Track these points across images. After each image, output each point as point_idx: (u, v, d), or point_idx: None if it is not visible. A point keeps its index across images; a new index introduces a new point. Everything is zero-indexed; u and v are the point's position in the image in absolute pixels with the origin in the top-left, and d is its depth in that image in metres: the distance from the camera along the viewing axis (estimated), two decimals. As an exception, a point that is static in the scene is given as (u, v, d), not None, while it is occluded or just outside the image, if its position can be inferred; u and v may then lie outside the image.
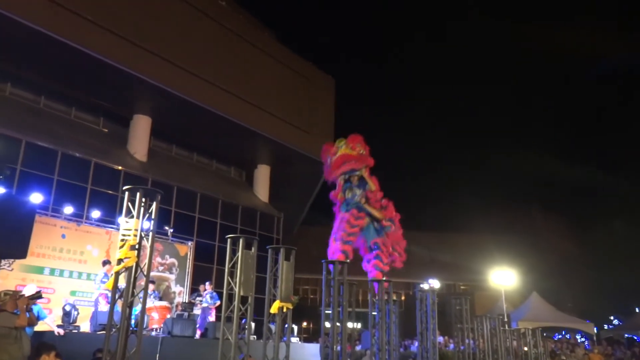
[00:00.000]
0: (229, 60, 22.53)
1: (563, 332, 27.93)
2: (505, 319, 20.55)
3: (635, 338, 25.15)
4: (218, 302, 14.40)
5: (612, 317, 35.61)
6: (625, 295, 31.86)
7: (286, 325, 8.53)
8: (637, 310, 28.38)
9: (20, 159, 16.33)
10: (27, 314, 7.29)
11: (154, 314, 13.55)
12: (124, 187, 5.91)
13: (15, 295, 7.27)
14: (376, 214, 12.25)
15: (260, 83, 23.71)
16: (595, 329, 26.70)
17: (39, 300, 8.47)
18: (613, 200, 38.82)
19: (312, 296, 39.00)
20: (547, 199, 46.62)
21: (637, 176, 38.21)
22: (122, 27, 18.41)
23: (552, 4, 57.30)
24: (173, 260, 18.43)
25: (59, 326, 10.61)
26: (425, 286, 16.05)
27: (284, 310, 8.02)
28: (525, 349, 15.24)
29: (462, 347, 12.73)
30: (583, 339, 27.09)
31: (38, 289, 9.39)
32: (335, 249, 11.93)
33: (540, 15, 57.03)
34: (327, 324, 9.25)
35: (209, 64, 21.42)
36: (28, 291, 8.56)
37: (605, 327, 32.92)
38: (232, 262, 7.33)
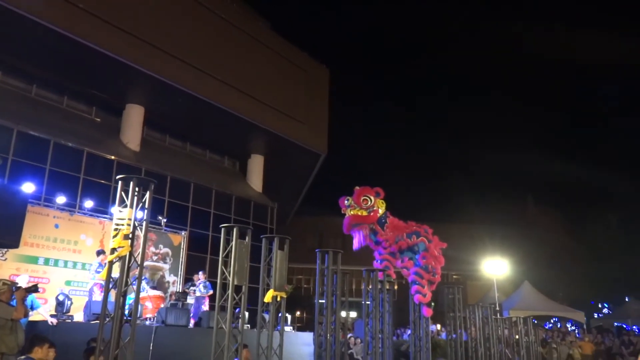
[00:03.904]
0: (223, 50, 22.41)
1: (554, 321, 28.21)
2: (497, 308, 20.73)
3: (625, 326, 25.44)
4: (211, 292, 14.47)
5: (602, 306, 35.97)
6: (615, 284, 32.16)
7: (280, 314, 8.59)
8: (626, 299, 28.66)
9: (12, 149, 16.23)
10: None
11: (148, 304, 13.61)
12: (118, 177, 5.91)
13: (13, 286, 7.27)
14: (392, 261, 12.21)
15: (254, 73, 23.61)
16: (585, 317, 26.98)
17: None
18: (605, 192, 39.07)
19: (305, 286, 39.16)
20: (540, 190, 46.87)
21: (630, 169, 38.41)
22: (115, 16, 18.26)
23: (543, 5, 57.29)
24: (167, 250, 18.44)
25: (52, 316, 10.62)
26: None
27: (278, 299, 8.08)
28: (517, 337, 15.39)
29: (454, 336, 12.84)
30: (573, 328, 27.37)
31: (34, 282, 9.38)
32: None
33: (535, 15, 57.04)
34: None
35: (203, 53, 21.30)
36: (21, 281, 8.58)
37: (596, 315, 33.27)
38: (226, 252, 7.36)
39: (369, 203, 11.70)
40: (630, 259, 31.29)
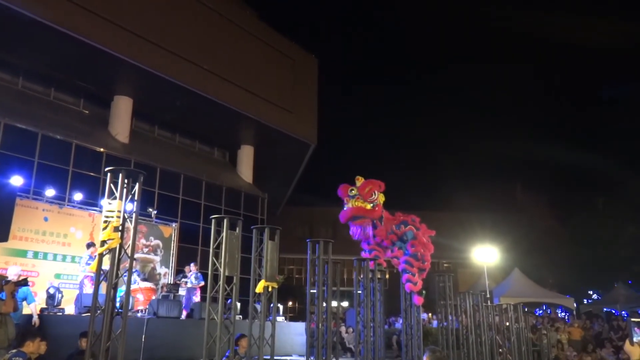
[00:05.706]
0: (211, 40, 22.24)
1: (544, 307, 28.48)
2: (488, 295, 20.87)
3: (614, 312, 25.75)
4: (202, 283, 14.47)
5: (591, 292, 36.34)
6: (604, 270, 32.45)
7: (272, 305, 8.60)
8: (615, 285, 28.98)
9: (-1, 142, 16.08)
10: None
11: (139, 296, 13.60)
12: (107, 169, 5.86)
13: (2, 280, 7.22)
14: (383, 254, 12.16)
15: (243, 63, 23.48)
16: (575, 303, 27.24)
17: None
18: (594, 178, 39.32)
19: (297, 276, 39.26)
20: (530, 177, 47.06)
21: (619, 155, 38.61)
22: (102, 7, 18.04)
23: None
24: (157, 241, 18.41)
25: (43, 309, 10.57)
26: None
27: (270, 289, 8.09)
28: (507, 324, 15.52)
29: (445, 324, 12.93)
30: (563, 314, 27.65)
31: (23, 274, 9.32)
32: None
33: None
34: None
35: (191, 43, 21.13)
36: (11, 273, 8.52)
37: (585, 301, 33.60)
38: (217, 243, 7.35)
39: (374, 196, 11.47)
40: (619, 245, 31.59)
